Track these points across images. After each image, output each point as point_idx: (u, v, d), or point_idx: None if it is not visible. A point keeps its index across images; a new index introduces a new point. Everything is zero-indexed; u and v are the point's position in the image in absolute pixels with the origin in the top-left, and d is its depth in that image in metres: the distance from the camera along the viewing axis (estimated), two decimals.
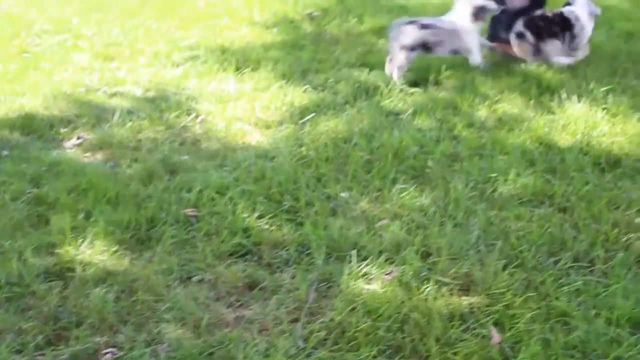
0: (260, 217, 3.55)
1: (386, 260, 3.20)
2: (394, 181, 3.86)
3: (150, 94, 5.07)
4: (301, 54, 5.79)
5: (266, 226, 3.49)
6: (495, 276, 3.07)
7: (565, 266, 3.16)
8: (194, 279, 3.16)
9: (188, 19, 6.77)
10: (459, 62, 5.40)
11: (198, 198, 3.70)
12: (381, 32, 6.22)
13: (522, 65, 5.31)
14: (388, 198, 3.72)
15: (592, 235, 3.36)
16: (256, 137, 4.43)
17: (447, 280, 3.07)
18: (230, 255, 3.31)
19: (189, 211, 3.60)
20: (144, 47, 6.00)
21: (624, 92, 4.79)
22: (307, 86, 5.11)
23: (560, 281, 3.07)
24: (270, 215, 3.56)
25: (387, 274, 3.11)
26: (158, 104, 4.87)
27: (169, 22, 6.70)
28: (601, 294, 2.99)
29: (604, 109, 4.54)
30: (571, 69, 5.25)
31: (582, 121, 4.38)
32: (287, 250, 3.32)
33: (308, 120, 4.59)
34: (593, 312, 2.89)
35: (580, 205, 3.59)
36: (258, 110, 4.74)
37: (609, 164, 3.98)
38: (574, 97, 4.67)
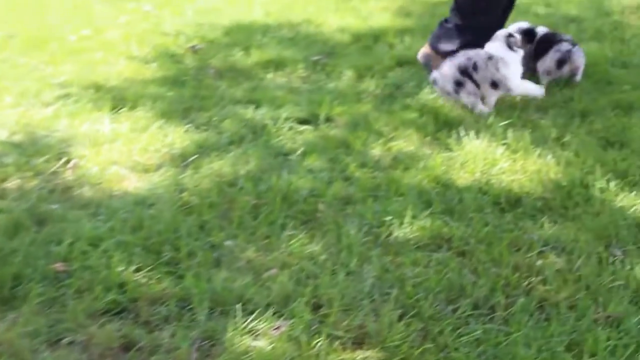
0: (137, 270, 3.52)
1: (274, 314, 3.21)
2: (283, 227, 3.89)
3: (17, 137, 4.99)
4: (183, 90, 5.78)
5: (144, 280, 3.47)
6: (391, 327, 3.12)
7: (465, 314, 3.23)
8: (64, 341, 3.12)
9: (59, 54, 6.69)
10: (352, 96, 5.48)
11: (69, 251, 3.66)
12: (269, 65, 6.27)
13: (418, 99, 5.40)
14: (276, 246, 3.74)
15: (492, 280, 3.44)
16: (133, 183, 4.40)
17: (339, 333, 3.09)
18: (104, 313, 3.27)
19: (59, 266, 3.55)
20: (10, 85, 5.90)
21: (525, 126, 4.92)
22: (189, 126, 5.10)
23: (459, 331, 3.13)
24: (148, 268, 3.54)
25: (275, 329, 3.12)
26: (25, 148, 4.80)
27: (38, 57, 6.61)
28: (502, 342, 3.06)
29: (503, 144, 4.65)
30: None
31: (481, 158, 4.49)
32: (167, 305, 3.30)
33: (190, 163, 4.59)
34: None
35: (479, 249, 3.67)
36: (136, 153, 4.72)
37: (509, 203, 4.08)
38: (472, 133, 4.77)
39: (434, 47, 5.72)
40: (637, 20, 7.18)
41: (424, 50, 5.77)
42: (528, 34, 5.61)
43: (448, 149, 4.68)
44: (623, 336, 3.08)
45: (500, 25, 5.61)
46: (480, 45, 5.34)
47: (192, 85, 5.91)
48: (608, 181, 4.19)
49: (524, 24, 5.71)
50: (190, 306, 3.30)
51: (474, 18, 5.59)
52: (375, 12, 7.77)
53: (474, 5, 5.61)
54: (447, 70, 5.28)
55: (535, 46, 5.65)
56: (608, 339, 3.05)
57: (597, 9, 7.55)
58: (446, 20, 5.75)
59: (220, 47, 6.84)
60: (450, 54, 5.47)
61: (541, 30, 5.73)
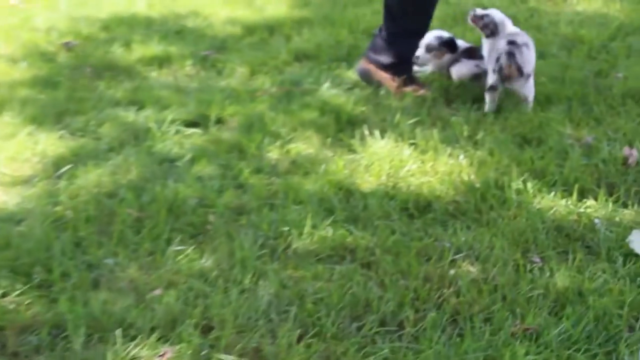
0: (3, 295, 3.45)
1: (159, 339, 3.17)
2: (169, 242, 3.85)
3: None
4: (56, 92, 5.70)
5: (11, 306, 3.39)
6: (289, 349, 3.10)
7: (371, 332, 3.23)
8: None
9: None
10: (245, 95, 5.47)
11: None
12: (153, 63, 6.22)
13: (318, 96, 5.41)
14: (162, 263, 3.70)
15: (400, 293, 3.44)
16: (0, 197, 4.31)
17: (232, 358, 3.07)
18: None
19: None
20: None
21: (434, 124, 4.96)
22: (63, 131, 5.03)
23: (364, 350, 3.13)
24: (16, 293, 3.47)
25: (160, 356, 3.09)
26: None
27: None
28: None
29: (411, 144, 4.69)
30: (375, 98, 5.40)
31: (387, 160, 4.51)
32: (38, 334, 3.23)
33: (64, 173, 4.51)
34: None
35: (386, 259, 3.68)
36: (2, 163, 4.62)
37: (418, 208, 4.11)
38: (377, 133, 4.79)
39: (372, 61, 5.68)
40: (553, 6, 7.33)
41: (363, 65, 5.72)
42: (449, 45, 5.67)
43: (351, 150, 4.69)
44: (543, 350, 3.12)
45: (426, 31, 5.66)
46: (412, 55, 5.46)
47: (66, 86, 5.83)
48: (525, 182, 4.25)
49: (444, 34, 5.77)
50: (65, 333, 3.24)
51: (403, 22, 5.59)
52: (270, 2, 7.77)
53: (402, 7, 5.60)
54: None
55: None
56: (527, 354, 3.08)
57: None
58: (379, 30, 5.73)
59: (98, 43, 6.77)
60: (390, 67, 5.50)
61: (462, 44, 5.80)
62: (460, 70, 5.59)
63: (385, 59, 5.57)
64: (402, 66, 5.53)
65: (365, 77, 5.67)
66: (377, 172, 4.42)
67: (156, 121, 5.10)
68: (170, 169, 4.56)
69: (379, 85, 5.58)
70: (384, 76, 5.55)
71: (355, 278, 3.55)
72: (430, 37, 5.63)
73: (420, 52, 5.57)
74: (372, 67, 5.64)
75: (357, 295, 3.43)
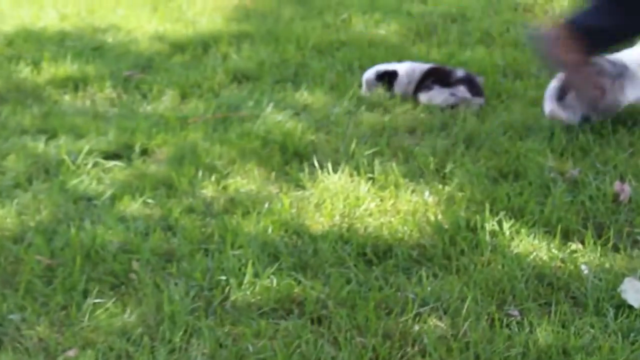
0: None
1: None
2: (86, 294, 3.85)
3: None
4: None
5: None
6: None
7: None
8: None
9: None
10: (175, 122, 5.48)
11: None
12: (66, 84, 6.22)
13: (261, 123, 5.43)
14: (77, 319, 3.69)
15: (356, 352, 3.45)
16: None
17: None
18: None
19: None
20: None
21: (395, 156, 4.99)
22: None
23: None
24: None
25: None
26: None
27: None
28: None
29: (369, 179, 4.71)
30: (327, 125, 5.42)
31: (341, 197, 4.53)
32: None
33: None
34: None
35: (340, 313, 3.69)
36: None
37: (376, 254, 4.12)
38: (330, 165, 4.81)
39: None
40: (532, 18, 7.41)
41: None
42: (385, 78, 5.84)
43: (299, 186, 4.71)
44: None
45: None
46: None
47: None
48: (500, 222, 4.28)
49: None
50: None
51: None
52: (204, 14, 7.81)
53: None
54: None
55: None
56: None
57: (484, 6, 7.76)
58: None
59: (1, 62, 6.74)
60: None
61: None
62: (433, 99, 5.69)
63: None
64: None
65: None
66: (329, 211, 4.43)
67: (70, 152, 5.10)
68: (87, 209, 4.56)
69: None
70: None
71: (304, 335, 3.55)
72: (371, 71, 5.81)
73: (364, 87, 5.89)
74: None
75: (306, 356, 3.44)
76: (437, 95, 5.70)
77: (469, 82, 5.76)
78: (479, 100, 5.71)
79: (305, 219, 4.39)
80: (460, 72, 5.84)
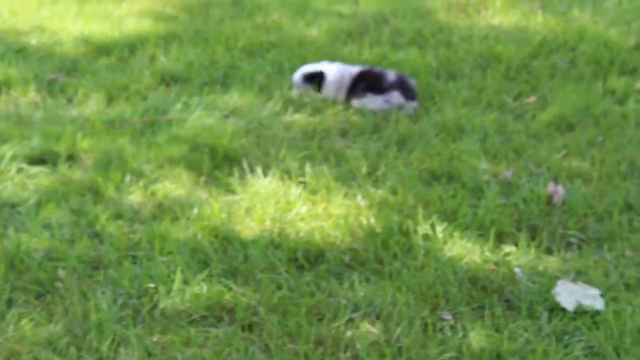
0: None
1: None
2: (10, 304, 3.83)
3: None
4: None
5: None
6: None
7: None
8: None
9: None
10: (102, 126, 5.47)
11: None
12: None
13: (189, 127, 5.43)
14: (1, 329, 3.67)
15: (288, 359, 3.47)
16: None
17: None
18: None
19: None
20: None
21: (327, 159, 5.02)
22: None
23: None
24: None
25: None
26: None
27: None
28: None
29: (300, 183, 4.73)
30: (258, 128, 5.44)
31: (272, 202, 4.54)
32: None
33: None
34: None
35: (271, 320, 3.71)
36: None
37: (308, 259, 4.15)
38: (260, 170, 4.83)
39: None
40: (465, 20, 7.46)
41: None
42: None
43: (229, 191, 4.72)
44: None
45: None
46: None
47: None
48: (433, 226, 4.32)
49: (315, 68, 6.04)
50: None
51: None
52: (131, 15, 7.79)
53: None
54: None
55: None
56: None
57: (417, 7, 7.81)
58: None
59: None
60: None
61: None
62: (366, 106, 5.75)
63: None
64: None
65: None
66: (260, 216, 4.45)
67: None
68: (11, 216, 4.54)
69: None
70: None
71: (235, 343, 3.57)
72: (299, 73, 5.87)
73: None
74: None
75: None
76: (370, 103, 5.75)
77: (402, 87, 5.80)
78: (413, 104, 5.75)
79: (236, 224, 4.40)
80: (392, 76, 5.88)
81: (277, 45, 6.97)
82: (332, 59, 6.41)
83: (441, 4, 7.82)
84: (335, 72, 5.95)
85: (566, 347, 3.53)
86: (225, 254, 4.19)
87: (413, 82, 5.90)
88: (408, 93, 5.77)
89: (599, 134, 5.24)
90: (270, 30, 7.37)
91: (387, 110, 5.71)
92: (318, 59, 6.46)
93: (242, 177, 4.82)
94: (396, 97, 5.77)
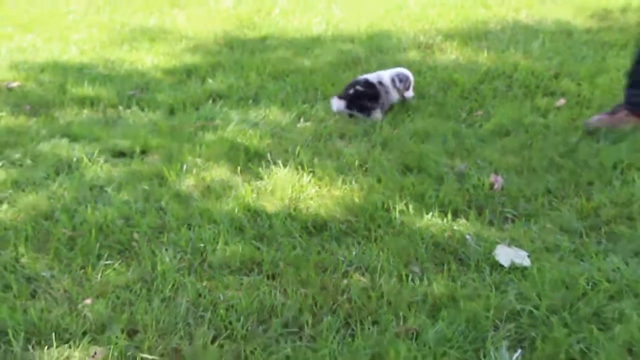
0: None
1: (90, 342, 3.15)
2: (99, 257, 3.83)
3: None
4: None
5: None
6: (205, 349, 3.11)
7: (275, 334, 3.25)
8: None
9: None
10: (166, 129, 5.47)
11: None
12: (84, 102, 6.18)
13: (229, 131, 5.42)
14: (92, 276, 3.67)
15: (300, 300, 3.47)
16: None
17: (154, 357, 3.06)
18: None
19: None
20: None
21: (330, 155, 5.01)
22: (3, 162, 4.96)
23: (270, 349, 3.15)
24: None
25: (91, 356, 3.06)
26: None
27: None
28: (311, 359, 3.10)
29: (310, 172, 4.72)
30: (279, 133, 5.43)
31: (290, 186, 4.53)
32: None
33: (5, 198, 4.45)
34: None
35: (288, 271, 3.70)
36: None
37: (316, 227, 4.14)
38: (280, 162, 4.82)
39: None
40: (431, 55, 7.44)
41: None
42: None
43: (258, 177, 4.70)
44: (422, 347, 3.17)
45: None
46: None
47: (6, 120, 5.75)
48: (407, 204, 4.30)
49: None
50: (6, 338, 3.20)
51: None
52: (188, 50, 7.79)
53: None
54: None
55: None
56: (408, 350, 3.13)
57: (395, 45, 7.79)
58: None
59: (36, 85, 6.68)
60: None
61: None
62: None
63: None
64: None
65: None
66: (280, 196, 4.44)
67: (86, 153, 5.07)
68: (99, 194, 4.53)
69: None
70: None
71: (262, 287, 3.57)
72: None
73: None
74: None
75: (264, 302, 3.45)
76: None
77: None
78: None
79: (263, 202, 4.38)
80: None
81: (294, 72, 6.95)
82: (334, 82, 6.40)
83: (413, 44, 7.79)
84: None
85: (502, 292, 3.52)
86: (255, 223, 4.17)
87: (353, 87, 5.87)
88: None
89: (528, 138, 5.21)
90: (289, 61, 7.35)
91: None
92: (324, 82, 6.46)
93: (267, 167, 4.81)
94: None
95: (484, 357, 3.12)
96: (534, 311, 3.37)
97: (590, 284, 3.56)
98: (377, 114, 5.70)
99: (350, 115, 5.71)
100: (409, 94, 5.92)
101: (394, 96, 5.89)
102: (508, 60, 7.02)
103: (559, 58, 7.01)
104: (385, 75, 5.91)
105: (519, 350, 3.15)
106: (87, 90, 6.45)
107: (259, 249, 3.91)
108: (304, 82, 6.61)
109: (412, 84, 5.96)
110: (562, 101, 5.93)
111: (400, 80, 5.88)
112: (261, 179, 4.69)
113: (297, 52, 7.71)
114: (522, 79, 6.49)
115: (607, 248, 3.90)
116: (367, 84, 5.83)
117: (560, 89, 6.17)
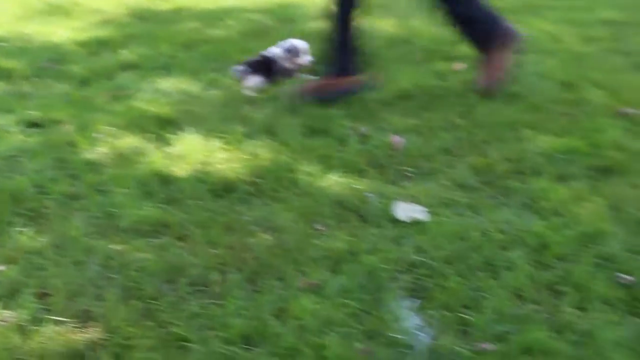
0: None
1: (2, 307, 3.11)
2: (10, 224, 3.76)
3: None
4: None
5: None
6: (114, 309, 3.09)
7: (183, 292, 3.24)
8: None
9: None
10: (81, 99, 5.39)
11: None
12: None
13: (141, 101, 5.36)
14: (4, 242, 3.61)
15: (208, 260, 3.46)
16: None
17: (64, 319, 3.03)
18: None
19: None
20: None
21: (239, 121, 4.97)
22: None
23: (178, 306, 3.14)
24: None
25: (3, 321, 3.02)
26: None
27: None
28: (217, 315, 3.10)
29: (220, 137, 4.69)
30: (189, 102, 5.38)
31: (200, 151, 4.50)
32: None
33: None
34: (210, 333, 2.98)
35: (197, 232, 3.69)
36: None
37: (225, 189, 4.12)
38: (192, 129, 4.78)
39: None
40: None
41: None
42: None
43: (169, 144, 4.66)
44: (324, 300, 3.19)
45: None
46: None
47: None
48: (312, 165, 4.31)
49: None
50: None
51: None
52: (101, 23, 7.67)
53: None
54: None
55: None
56: (311, 303, 3.15)
57: (306, 12, 7.77)
58: None
59: None
60: None
61: None
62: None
63: None
64: None
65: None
66: (190, 161, 4.41)
67: (1, 124, 4.97)
68: (14, 163, 4.45)
69: None
70: None
71: (171, 249, 3.55)
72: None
73: None
74: None
75: (172, 263, 3.43)
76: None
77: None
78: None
79: (173, 167, 4.35)
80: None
81: (205, 41, 6.90)
82: (243, 51, 6.37)
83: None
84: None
85: (401, 246, 3.56)
86: (165, 188, 4.14)
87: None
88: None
89: (428, 101, 5.26)
90: (201, 31, 7.29)
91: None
92: (234, 51, 6.42)
93: (178, 134, 4.76)
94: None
95: (383, 306, 3.15)
96: (431, 262, 3.41)
97: (484, 235, 3.62)
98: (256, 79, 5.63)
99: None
100: (304, 60, 5.86)
101: (286, 64, 5.82)
102: (411, 27, 7.06)
103: None
104: (276, 48, 5.88)
105: (418, 301, 3.20)
106: (1, 62, 6.30)
107: (168, 212, 3.88)
108: (215, 51, 6.56)
109: (307, 51, 5.90)
110: (461, 65, 5.99)
111: (289, 51, 5.85)
112: (172, 145, 4.65)
113: (209, 22, 7.65)
114: (423, 44, 6.54)
115: (501, 202, 3.97)
116: (262, 56, 5.81)
117: (460, 54, 6.22)
